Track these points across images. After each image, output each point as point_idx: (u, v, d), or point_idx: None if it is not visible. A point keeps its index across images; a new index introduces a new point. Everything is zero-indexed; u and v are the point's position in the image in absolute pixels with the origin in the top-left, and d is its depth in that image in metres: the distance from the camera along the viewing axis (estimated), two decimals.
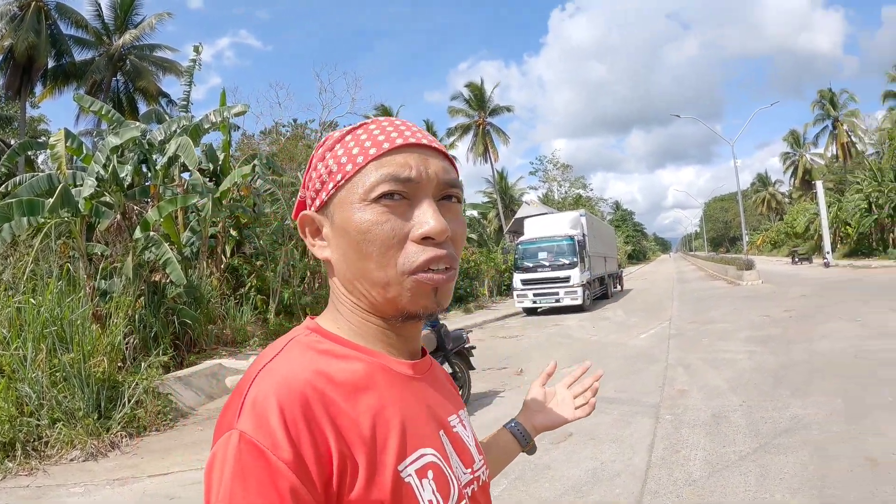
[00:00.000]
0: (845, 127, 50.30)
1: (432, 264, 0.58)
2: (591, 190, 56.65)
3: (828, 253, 28.07)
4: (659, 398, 5.71)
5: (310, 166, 0.65)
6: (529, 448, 0.96)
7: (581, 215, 18.32)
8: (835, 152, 51.98)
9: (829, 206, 32.43)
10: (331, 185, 0.61)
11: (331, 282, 0.66)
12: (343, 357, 0.59)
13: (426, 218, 0.58)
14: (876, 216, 29.85)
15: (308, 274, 12.12)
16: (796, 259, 34.21)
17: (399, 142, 0.60)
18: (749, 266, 22.46)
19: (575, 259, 15.91)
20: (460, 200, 0.65)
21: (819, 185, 30.74)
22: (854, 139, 49.87)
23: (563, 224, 17.44)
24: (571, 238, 16.32)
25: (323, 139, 0.65)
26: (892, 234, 29.78)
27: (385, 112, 30.25)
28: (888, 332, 7.94)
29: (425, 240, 0.58)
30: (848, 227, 33.00)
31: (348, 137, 0.62)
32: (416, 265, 0.57)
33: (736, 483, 3.47)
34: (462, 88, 42.07)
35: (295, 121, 21.00)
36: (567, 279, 15.69)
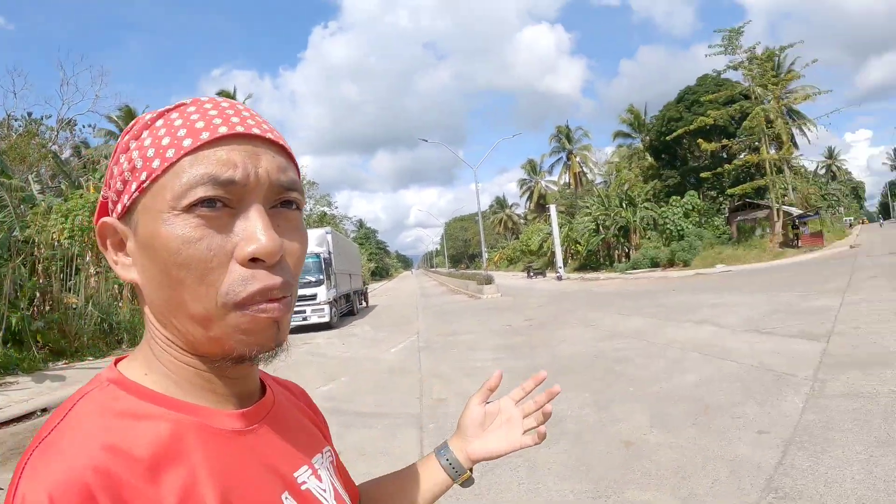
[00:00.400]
0: (578, 159, 60.36)
1: (263, 294, 0.45)
2: (336, 208, 56.98)
3: (560, 267, 31.08)
4: (419, 408, 5.73)
5: (113, 157, 0.50)
6: (464, 480, 0.79)
7: (327, 233, 18.07)
8: (568, 180, 61.90)
9: (561, 227, 37.41)
10: (133, 186, 0.46)
11: (142, 311, 0.51)
12: (146, 417, 0.45)
13: (253, 232, 0.45)
14: (603, 235, 35.41)
15: (37, 295, 10.46)
16: (531, 273, 37.50)
17: (223, 131, 0.46)
18: (488, 280, 23.54)
19: (321, 276, 15.77)
20: (300, 207, 0.53)
21: (553, 208, 35.40)
22: (585, 170, 59.96)
23: (309, 241, 16.51)
24: (318, 256, 16.06)
25: (133, 122, 0.50)
26: (616, 251, 35.78)
27: (129, 116, 25.82)
28: (618, 333, 8.83)
29: (254, 261, 0.45)
30: (578, 245, 38.63)
31: (159, 122, 0.48)
32: (243, 297, 0.45)
33: (509, 479, 3.55)
34: (213, 96, 38.67)
35: (30, 115, 18.00)
36: (314, 297, 15.44)
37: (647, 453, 3.68)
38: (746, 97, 29.56)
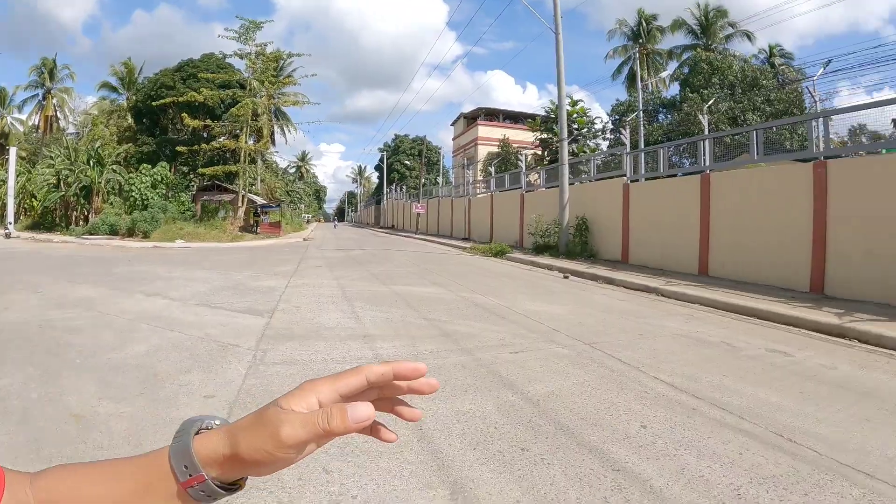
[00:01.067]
0: (55, 101, 49.02)
1: None
2: None
3: (10, 223, 27.62)
4: None
5: None
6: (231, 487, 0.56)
7: None
8: (37, 122, 49.53)
9: (19, 175, 31.42)
10: None
11: None
12: None
13: None
14: (63, 193, 30.36)
15: None
16: None
17: None
18: None
19: None
20: None
21: (13, 150, 29.30)
22: (60, 115, 48.98)
23: None
24: None
25: None
26: (75, 213, 31.00)
27: None
28: (67, 302, 8.39)
29: None
30: (34, 199, 32.53)
31: None
32: None
33: None
34: None
35: None
36: None
37: (98, 424, 3.65)
38: (243, 87, 31.55)
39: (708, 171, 13.82)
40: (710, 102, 25.49)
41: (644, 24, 44.09)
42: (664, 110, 37.08)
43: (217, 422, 0.58)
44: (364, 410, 0.51)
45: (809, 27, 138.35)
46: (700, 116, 17.37)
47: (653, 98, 37.66)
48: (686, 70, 35.02)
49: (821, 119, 11.34)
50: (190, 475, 0.52)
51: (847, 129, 11.81)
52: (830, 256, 10.31)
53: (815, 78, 16.33)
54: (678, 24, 41.84)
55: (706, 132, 15.86)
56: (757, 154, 12.75)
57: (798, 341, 6.77)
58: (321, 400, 0.54)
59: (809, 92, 14.53)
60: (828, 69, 17.61)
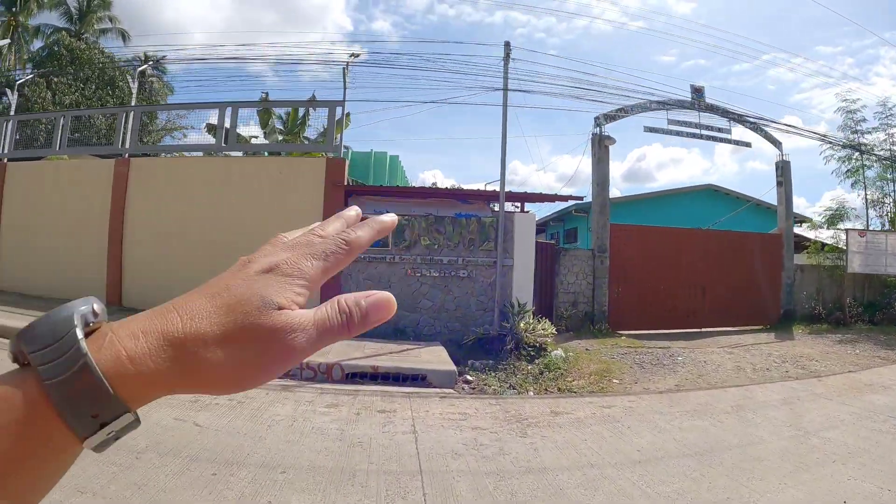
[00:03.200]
0: None
1: None
2: None
3: None
4: None
5: None
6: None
7: None
8: None
9: None
10: None
11: None
12: None
13: None
14: None
15: None
16: None
17: None
18: None
19: None
20: None
21: None
22: None
23: None
24: None
25: None
26: None
27: None
28: None
29: None
30: None
31: None
32: None
33: None
34: None
35: None
36: None
37: None
38: None
39: (5, 161, 11.68)
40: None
41: None
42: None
43: (98, 307, 0.40)
44: (384, 303, 0.44)
45: None
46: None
47: None
48: (45, 52, 31.69)
49: (132, 113, 11.06)
50: (102, 422, 0.35)
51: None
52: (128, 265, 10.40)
53: None
54: (57, 3, 38.57)
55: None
56: (60, 145, 11.25)
57: None
58: (310, 289, 0.43)
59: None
60: None
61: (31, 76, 21.78)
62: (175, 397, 3.94)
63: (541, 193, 11.42)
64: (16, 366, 0.36)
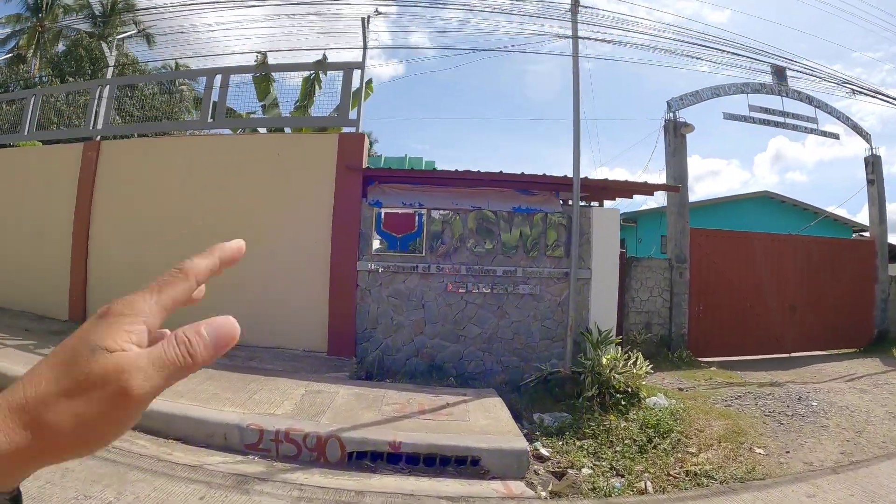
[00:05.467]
0: None
1: None
2: None
3: None
4: None
5: None
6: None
7: None
8: None
9: None
10: None
11: None
12: None
13: None
14: None
15: None
16: None
17: None
18: None
19: None
20: None
21: None
22: None
23: None
24: None
25: None
26: None
27: None
28: None
29: None
30: None
31: None
32: None
33: None
34: None
35: None
36: None
37: None
38: None
39: None
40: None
41: None
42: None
43: None
44: (227, 327, 0.42)
45: None
46: None
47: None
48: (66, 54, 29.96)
49: (108, 87, 8.88)
50: None
51: None
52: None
53: None
54: (82, 6, 37.12)
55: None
56: (28, 129, 9.38)
57: None
58: (149, 325, 0.41)
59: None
60: None
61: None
62: None
63: (627, 181, 8.51)
64: None
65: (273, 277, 7.43)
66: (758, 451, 5.71)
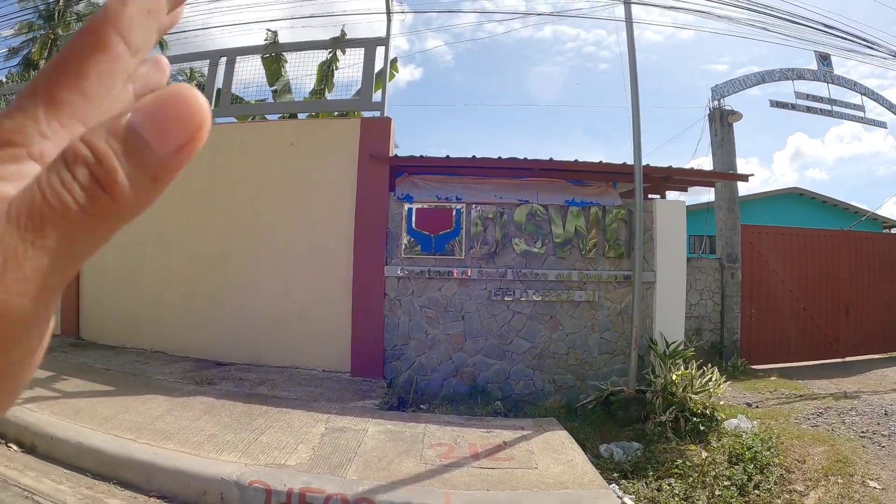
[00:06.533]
0: None
1: None
2: None
3: None
4: None
5: None
6: None
7: None
8: None
9: None
10: None
11: None
12: None
13: None
14: None
15: None
16: None
17: None
18: None
19: None
20: None
21: None
22: None
23: None
24: None
25: None
26: None
27: None
28: None
29: None
30: None
31: None
32: None
33: None
34: None
35: None
36: None
37: None
38: None
39: None
40: None
41: (63, 3, 38.17)
42: None
43: None
44: (180, 104, 0.21)
45: None
46: None
47: None
48: None
49: None
50: None
51: None
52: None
53: None
54: (93, 13, 37.23)
55: None
56: None
57: None
58: (44, 153, 0.21)
59: None
60: None
61: None
62: None
63: (693, 169, 7.32)
64: None
65: (287, 286, 6.39)
66: (871, 484, 4.72)
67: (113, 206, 0.20)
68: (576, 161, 6.57)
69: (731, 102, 10.20)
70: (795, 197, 18.44)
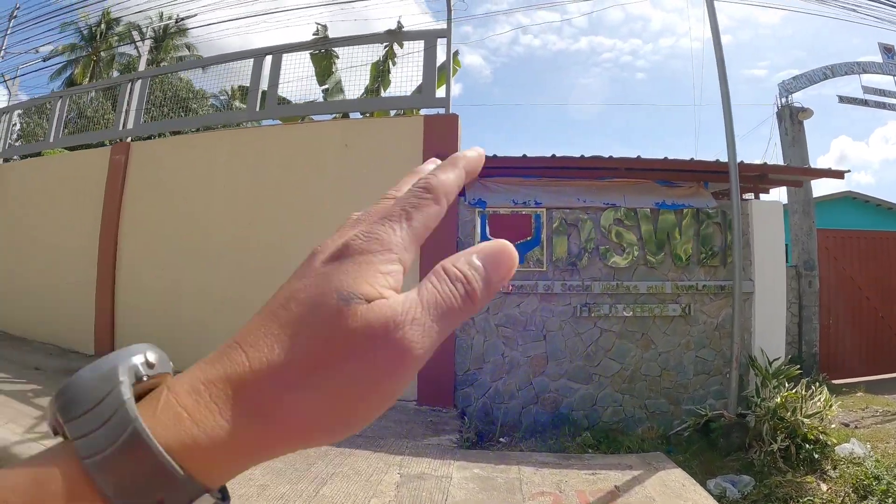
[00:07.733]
0: None
1: None
2: None
3: None
4: None
5: None
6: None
7: None
8: None
9: None
10: None
11: None
12: None
13: None
14: None
15: None
16: None
17: None
18: None
19: None
20: None
21: None
22: None
23: None
24: None
25: None
26: None
27: None
28: None
29: None
30: None
31: None
32: None
33: None
34: None
35: None
36: None
37: None
38: None
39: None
40: None
41: (105, 25, 37.91)
42: None
43: (152, 356, 0.28)
44: (504, 253, 0.32)
45: None
46: None
47: None
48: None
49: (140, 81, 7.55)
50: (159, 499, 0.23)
51: None
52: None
53: None
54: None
55: None
56: (55, 136, 8.19)
57: None
58: (403, 263, 0.30)
59: None
60: None
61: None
62: None
63: (789, 167, 6.54)
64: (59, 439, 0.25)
65: None
66: None
67: (472, 307, 0.29)
68: (665, 159, 5.84)
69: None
70: (849, 201, 17.76)
